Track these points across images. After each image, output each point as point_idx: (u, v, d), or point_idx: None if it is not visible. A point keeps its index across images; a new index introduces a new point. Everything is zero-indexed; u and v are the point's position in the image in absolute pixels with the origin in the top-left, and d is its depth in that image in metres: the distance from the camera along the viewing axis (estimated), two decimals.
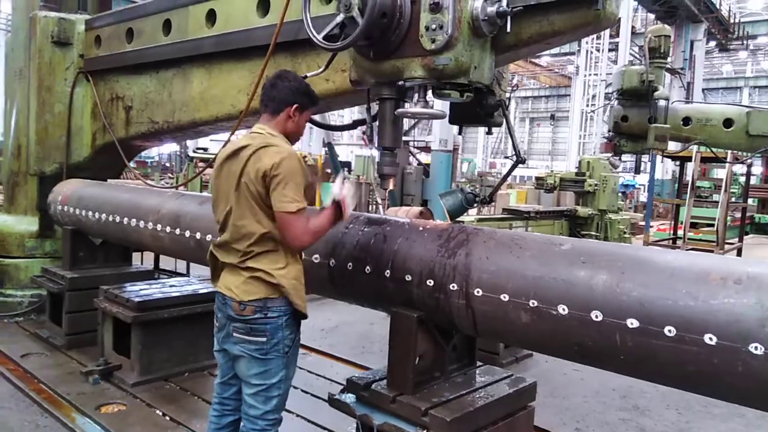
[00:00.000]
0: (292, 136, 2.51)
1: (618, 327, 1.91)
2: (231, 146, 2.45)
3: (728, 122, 6.68)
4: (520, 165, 3.04)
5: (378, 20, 2.30)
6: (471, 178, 23.90)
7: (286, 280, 2.33)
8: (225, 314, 2.41)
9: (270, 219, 2.31)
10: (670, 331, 1.81)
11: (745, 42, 28.43)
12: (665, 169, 21.88)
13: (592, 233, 11.53)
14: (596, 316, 1.95)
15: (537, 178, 14.04)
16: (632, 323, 1.88)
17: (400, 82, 2.46)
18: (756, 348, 1.67)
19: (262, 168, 2.26)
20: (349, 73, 2.76)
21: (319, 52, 3.20)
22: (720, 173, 12.77)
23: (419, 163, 12.07)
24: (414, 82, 2.43)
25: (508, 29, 2.34)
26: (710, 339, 1.74)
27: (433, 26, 2.29)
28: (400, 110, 2.54)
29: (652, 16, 24.89)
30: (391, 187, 2.67)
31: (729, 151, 9.09)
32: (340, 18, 2.41)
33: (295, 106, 2.43)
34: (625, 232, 12.16)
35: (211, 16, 4.08)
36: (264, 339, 2.33)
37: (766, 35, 29.36)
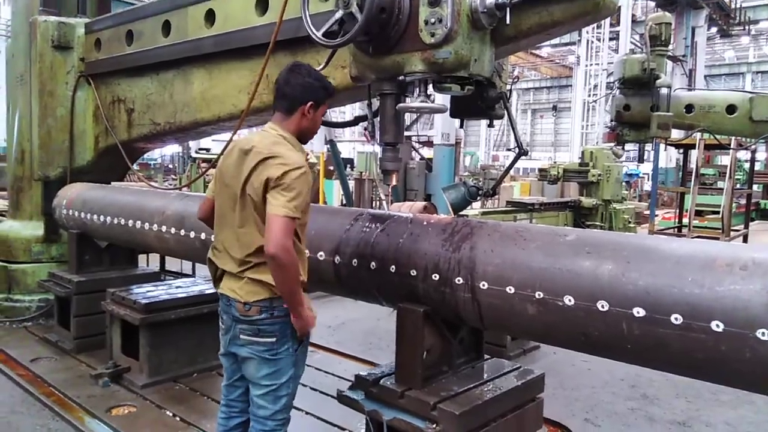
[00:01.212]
0: (307, 133, 2.47)
1: (624, 316, 1.91)
2: (245, 142, 2.38)
3: (731, 108, 6.65)
4: (523, 157, 3.04)
5: (377, 15, 2.30)
6: (474, 172, 23.85)
7: None
8: (230, 316, 2.39)
9: None
10: (676, 319, 1.81)
11: (747, 27, 28.21)
12: (669, 157, 21.81)
13: (597, 223, 11.51)
14: (602, 306, 1.95)
15: (540, 170, 14.01)
16: (638, 312, 1.87)
17: (401, 77, 2.46)
18: (763, 334, 1.66)
19: (264, 179, 2.22)
20: (349, 69, 2.75)
21: (318, 49, 3.19)
22: (724, 160, 12.72)
23: (422, 158, 12.06)
24: (414, 76, 2.41)
25: (508, 21, 2.33)
26: (717, 326, 1.74)
27: (432, 20, 2.28)
28: (401, 105, 2.54)
29: (652, 3, 24.73)
30: (393, 182, 2.66)
31: (733, 138, 9.06)
32: (339, 14, 2.40)
33: (309, 104, 2.38)
34: (629, 222, 12.13)
35: (210, 16, 4.08)
36: (273, 339, 2.32)
37: None
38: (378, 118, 2.70)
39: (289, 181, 2.19)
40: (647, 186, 25.23)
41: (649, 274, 1.90)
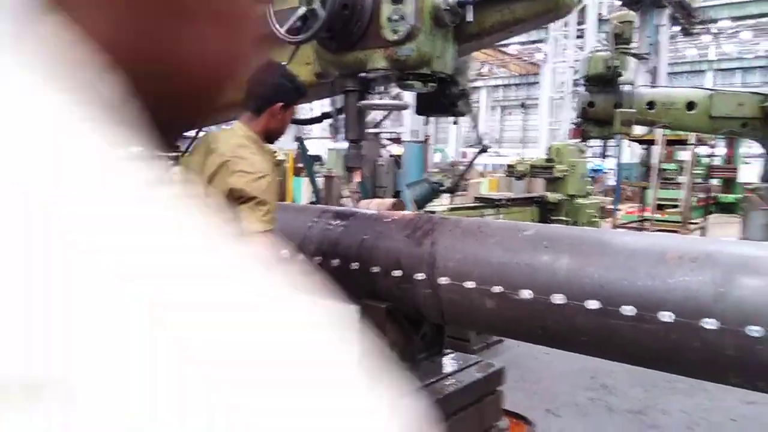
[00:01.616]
0: (275, 133, 2.45)
1: (580, 309, 1.95)
2: (212, 139, 2.36)
3: (690, 105, 6.84)
4: (490, 153, 3.08)
5: (339, 12, 2.29)
6: (443, 168, 23.99)
7: None
8: None
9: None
10: (630, 310, 1.86)
11: (707, 26, 28.96)
12: (632, 153, 22.26)
13: (562, 218, 11.69)
14: (559, 300, 1.99)
15: (508, 166, 14.16)
16: (593, 305, 1.92)
17: (363, 74, 2.46)
18: (709, 323, 1.73)
19: (227, 188, 2.21)
20: (313, 66, 2.75)
21: (282, 45, 3.18)
22: (685, 155, 13.07)
23: (391, 155, 12.09)
24: (377, 73, 2.42)
25: (470, 19, 2.35)
26: (668, 316, 1.80)
27: (395, 17, 2.29)
28: (363, 102, 2.55)
29: (618, 2, 25.18)
30: (357, 179, 2.68)
31: (693, 134, 9.31)
32: (302, 10, 2.39)
33: (279, 105, 2.37)
34: (594, 216, 12.35)
35: None
36: None
37: (727, 19, 29.94)
38: (342, 115, 2.70)
39: (257, 194, 2.18)
40: (611, 181, 25.72)
41: (603, 268, 1.95)
